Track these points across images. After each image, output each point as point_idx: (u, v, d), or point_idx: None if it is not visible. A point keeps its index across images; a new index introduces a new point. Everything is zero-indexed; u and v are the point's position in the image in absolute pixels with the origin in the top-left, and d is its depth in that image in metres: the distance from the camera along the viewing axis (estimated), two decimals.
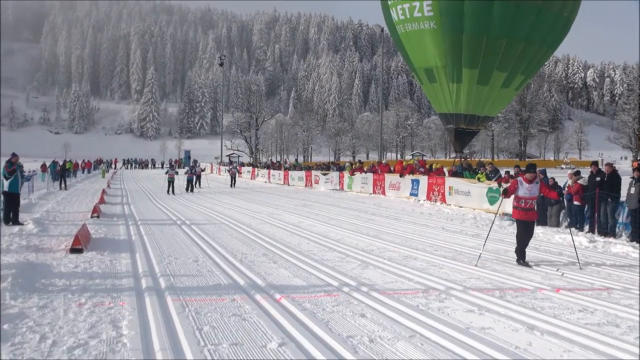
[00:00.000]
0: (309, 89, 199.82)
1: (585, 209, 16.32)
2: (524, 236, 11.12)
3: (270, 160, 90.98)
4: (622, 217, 15.13)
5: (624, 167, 37.46)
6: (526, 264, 10.87)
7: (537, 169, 19.19)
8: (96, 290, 8.48)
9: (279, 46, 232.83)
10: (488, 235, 12.32)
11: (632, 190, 14.33)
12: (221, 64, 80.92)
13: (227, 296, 8.09)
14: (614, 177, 15.62)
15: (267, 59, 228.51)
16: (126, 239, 14.12)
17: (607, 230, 15.20)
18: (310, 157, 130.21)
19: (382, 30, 45.88)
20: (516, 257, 11.17)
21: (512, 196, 11.39)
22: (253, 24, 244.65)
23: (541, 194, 11.81)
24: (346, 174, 33.98)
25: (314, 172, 39.11)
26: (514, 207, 11.36)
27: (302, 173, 40.85)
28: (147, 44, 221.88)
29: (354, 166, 36.28)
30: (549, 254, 12.52)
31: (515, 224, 11.84)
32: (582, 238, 14.42)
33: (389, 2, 29.49)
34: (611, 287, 9.09)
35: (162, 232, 15.48)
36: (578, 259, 11.08)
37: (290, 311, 7.26)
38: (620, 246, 13.41)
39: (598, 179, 15.72)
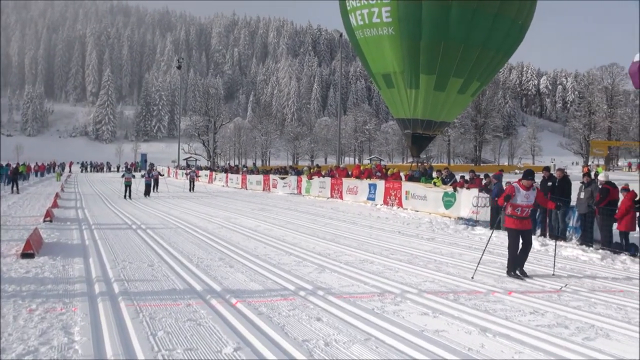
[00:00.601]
0: (268, 93, 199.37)
1: (537, 213, 16.65)
2: (517, 246, 10.46)
3: (228, 164, 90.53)
4: (573, 221, 15.52)
5: (575, 173, 38.37)
6: (518, 276, 10.23)
7: (491, 174, 19.59)
8: (48, 295, 8.30)
9: (238, 50, 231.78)
10: (485, 248, 11.99)
11: (582, 195, 14.72)
12: (179, 67, 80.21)
13: (183, 301, 8.01)
14: (564, 182, 16.00)
15: (225, 62, 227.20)
16: (79, 244, 13.86)
17: (558, 233, 15.54)
18: (269, 161, 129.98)
19: (341, 35, 46.18)
20: (507, 269, 10.54)
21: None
22: (212, 27, 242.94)
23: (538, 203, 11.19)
24: (304, 178, 34.00)
25: (272, 176, 39.03)
26: (508, 216, 10.64)
27: (260, 177, 40.73)
28: (103, 45, 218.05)
29: (312, 170, 36.33)
30: (503, 257, 12.71)
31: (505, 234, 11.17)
32: (534, 242, 14.69)
33: (348, 8, 29.70)
34: (561, 290, 9.30)
35: (117, 236, 15.24)
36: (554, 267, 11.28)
37: (246, 315, 7.24)
38: (571, 249, 13.74)
39: (550, 184, 16.08)
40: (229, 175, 48.01)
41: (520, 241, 10.49)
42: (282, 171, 41.56)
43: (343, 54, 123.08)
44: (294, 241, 14.52)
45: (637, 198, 13.59)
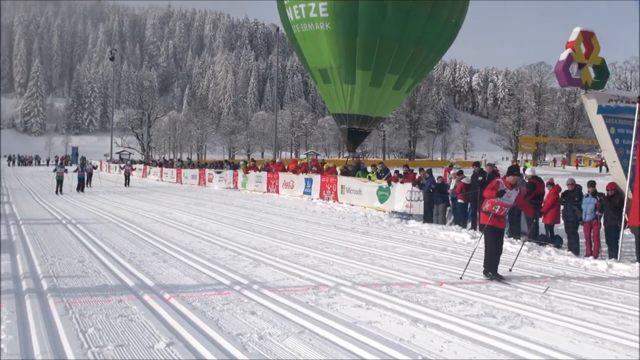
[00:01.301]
0: (204, 87, 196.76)
1: (468, 207, 17.11)
2: (494, 245, 9.92)
3: (163, 158, 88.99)
4: None
5: (505, 168, 39.48)
6: (498, 277, 9.67)
7: (425, 169, 19.97)
8: None
9: (173, 42, 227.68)
10: (474, 250, 11.92)
11: None
12: (112, 58, 78.34)
13: (114, 297, 7.87)
14: (494, 177, 16.46)
15: (160, 54, 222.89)
16: (6, 240, 13.39)
17: None
18: (204, 155, 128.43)
19: (278, 29, 46.06)
20: (484, 269, 9.93)
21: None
22: (146, 18, 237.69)
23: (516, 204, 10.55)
24: (240, 172, 33.81)
25: (207, 171, 38.64)
26: (484, 212, 10.11)
27: (196, 171, 40.25)
28: (32, 35, 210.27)
29: (248, 164, 36.15)
30: (435, 250, 13.04)
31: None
32: (465, 234, 15.13)
33: (285, 2, 29.65)
34: (489, 281, 9.61)
35: (46, 232, 14.82)
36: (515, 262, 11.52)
37: (179, 311, 7.17)
38: None
39: (480, 178, 16.54)
40: (164, 169, 47.24)
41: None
42: (218, 165, 41.18)
43: (280, 48, 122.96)
44: (230, 235, 14.46)
45: (562, 192, 14.14)
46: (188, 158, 76.66)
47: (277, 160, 35.31)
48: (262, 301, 7.73)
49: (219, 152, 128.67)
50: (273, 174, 30.17)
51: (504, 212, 10.02)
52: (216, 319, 6.81)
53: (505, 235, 15.16)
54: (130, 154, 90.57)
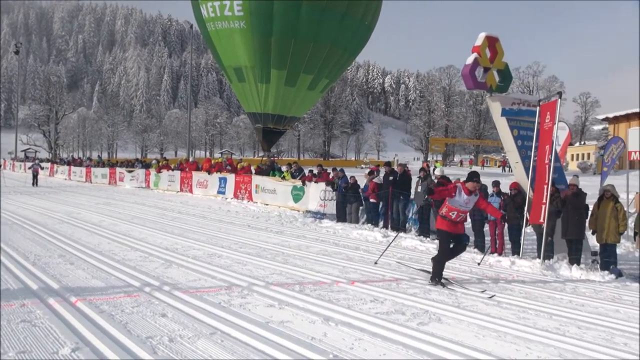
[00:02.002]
0: (115, 83, 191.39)
1: (380, 206, 17.46)
2: (447, 251, 9.70)
3: (72, 156, 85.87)
4: (412, 213, 16.45)
5: (416, 168, 40.53)
6: (442, 284, 9.35)
7: (338, 168, 20.18)
8: None
9: (83, 37, 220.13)
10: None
11: (419, 188, 15.64)
12: (17, 52, 74.89)
13: (16, 301, 7.52)
14: (405, 177, 16.92)
15: (69, 49, 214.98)
16: None
17: (399, 225, 16.41)
18: (116, 154, 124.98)
19: (192, 26, 45.37)
20: (431, 276, 9.59)
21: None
22: (54, 11, 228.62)
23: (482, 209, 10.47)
24: (152, 171, 33.12)
25: (118, 169, 37.58)
26: (441, 216, 9.80)
27: (106, 170, 39.08)
28: None
29: (160, 163, 35.42)
30: (347, 249, 13.23)
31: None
32: (377, 233, 15.43)
33: None
34: (400, 278, 9.85)
35: None
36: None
37: (86, 314, 6.94)
38: (410, 240, 14.55)
39: (391, 178, 16.92)
40: (72, 168, 45.58)
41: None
42: (130, 164, 40.13)
43: (194, 46, 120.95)
44: (141, 236, 14.13)
45: None
46: (98, 156, 74.22)
47: (191, 159, 34.73)
48: (173, 303, 7.60)
49: (130, 151, 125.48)
50: (186, 173, 29.72)
51: (460, 217, 9.68)
52: (125, 322, 6.64)
53: (416, 233, 15.61)
54: (36, 152, 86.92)
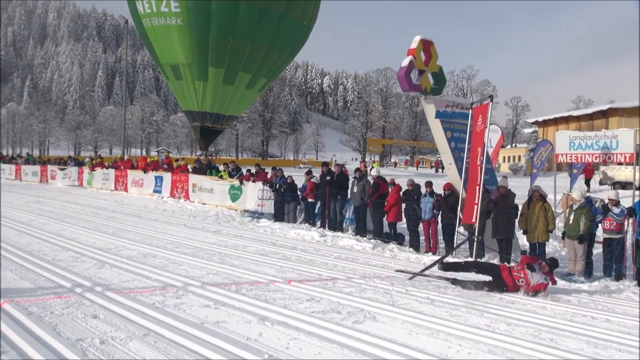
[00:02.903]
0: (47, 78, 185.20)
1: (318, 206, 17.54)
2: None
3: (0, 153, 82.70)
4: (349, 213, 16.59)
5: (354, 168, 40.90)
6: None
7: (277, 168, 20.10)
8: None
9: (12, 29, 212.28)
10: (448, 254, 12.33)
11: (355, 188, 15.80)
12: None
13: None
14: (342, 177, 17.04)
15: None
16: None
17: (336, 225, 16.53)
18: (47, 151, 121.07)
19: (127, 21, 44.42)
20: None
21: None
22: None
23: None
24: (86, 169, 32.26)
25: (50, 167, 36.44)
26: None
27: (37, 168, 37.83)
28: None
29: (94, 161, 34.53)
30: (285, 248, 13.25)
31: None
32: (314, 233, 15.50)
33: None
34: (336, 277, 9.95)
35: None
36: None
37: (13, 317, 6.71)
38: (347, 239, 14.69)
39: (328, 178, 17.01)
40: (1, 165, 43.90)
41: None
42: (62, 162, 38.97)
43: (130, 42, 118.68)
44: (73, 236, 13.76)
45: (402, 191, 14.89)
46: (28, 153, 71.73)
47: (126, 158, 34.01)
48: (105, 304, 7.45)
49: (63, 148, 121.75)
50: (121, 171, 29.08)
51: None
52: (54, 324, 6.47)
53: (352, 233, 15.76)
54: None
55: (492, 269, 9.81)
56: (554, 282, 9.66)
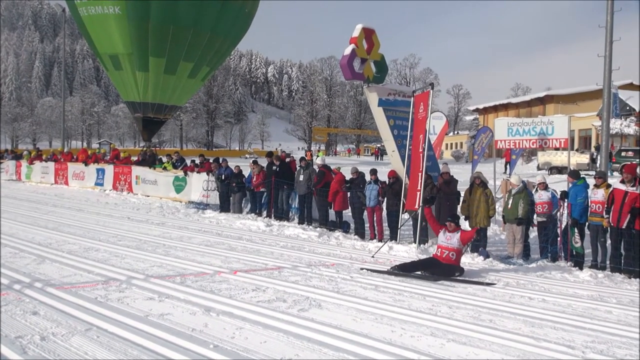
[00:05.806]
0: None
1: (264, 196, 17.51)
2: (418, 265, 10.08)
3: None
4: (295, 202, 16.62)
5: (298, 156, 41.00)
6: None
7: (221, 158, 19.96)
8: None
9: None
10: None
11: (301, 177, 15.83)
12: None
13: None
14: (286, 167, 17.05)
15: None
16: None
17: (283, 214, 16.55)
18: None
19: (64, 10, 43.18)
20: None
21: None
22: None
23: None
24: (24, 163, 31.36)
25: None
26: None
27: None
28: None
29: (33, 154, 33.57)
30: (230, 239, 13.20)
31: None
32: (260, 223, 15.49)
33: None
34: (282, 266, 9.98)
35: None
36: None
37: None
38: (292, 229, 14.73)
39: (274, 167, 17.00)
40: None
41: None
42: None
43: (68, 31, 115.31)
44: (11, 231, 13.35)
45: (347, 180, 15.00)
46: None
47: (66, 150, 33.17)
48: (45, 300, 7.28)
49: None
50: (61, 164, 28.38)
51: (445, 255, 9.94)
52: None
53: (298, 221, 15.81)
54: None
55: (431, 263, 9.97)
56: (472, 232, 10.50)
